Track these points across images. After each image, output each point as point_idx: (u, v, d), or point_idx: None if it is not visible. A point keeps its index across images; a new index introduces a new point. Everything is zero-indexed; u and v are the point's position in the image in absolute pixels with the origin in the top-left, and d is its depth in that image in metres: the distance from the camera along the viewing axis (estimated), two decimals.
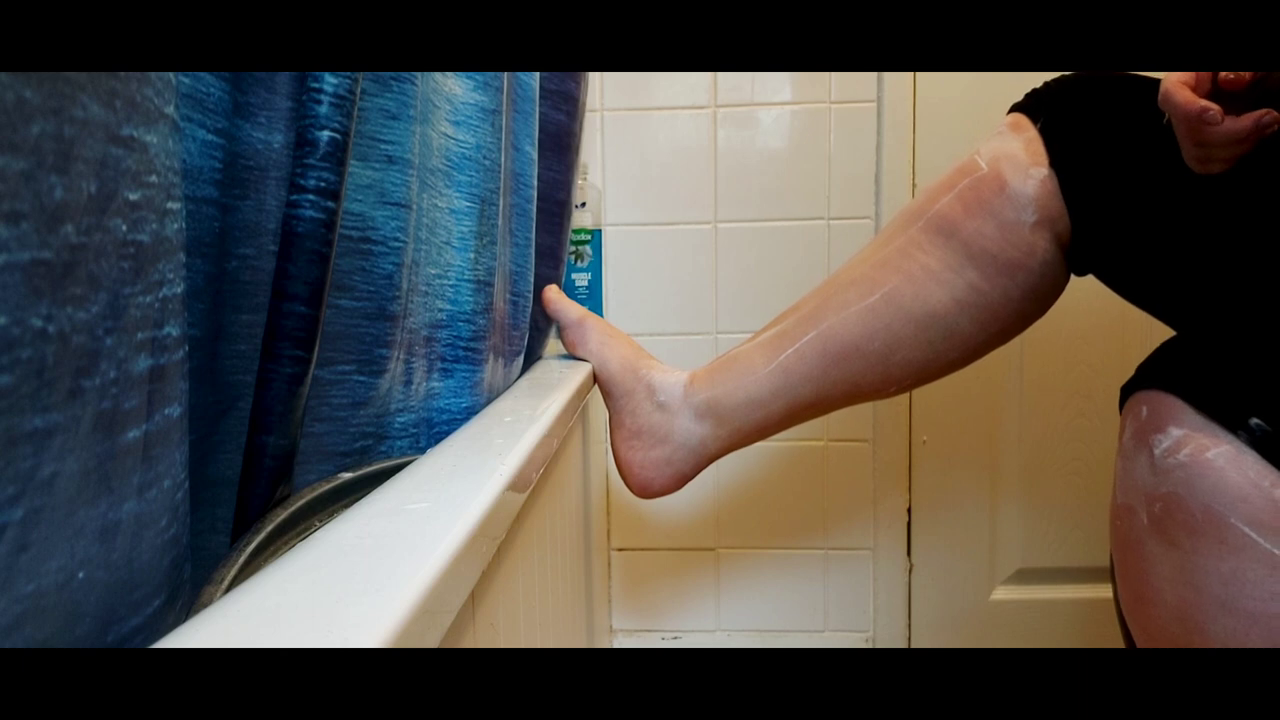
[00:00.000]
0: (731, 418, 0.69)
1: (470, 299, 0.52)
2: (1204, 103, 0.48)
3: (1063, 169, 0.60)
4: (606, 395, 0.75)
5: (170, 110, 0.23)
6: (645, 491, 0.72)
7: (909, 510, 1.19)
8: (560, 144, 0.76)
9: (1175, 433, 0.50)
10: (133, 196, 0.20)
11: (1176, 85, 0.50)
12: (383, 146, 0.41)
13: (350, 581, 0.23)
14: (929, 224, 0.64)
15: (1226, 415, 0.49)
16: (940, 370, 0.67)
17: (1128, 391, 0.57)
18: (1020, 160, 0.62)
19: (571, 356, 0.76)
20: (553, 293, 0.77)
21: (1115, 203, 0.59)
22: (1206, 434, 0.49)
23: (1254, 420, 0.48)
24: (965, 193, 0.63)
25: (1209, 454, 0.48)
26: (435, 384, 0.50)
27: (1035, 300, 0.64)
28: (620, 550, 1.23)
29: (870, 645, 1.21)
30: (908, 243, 0.65)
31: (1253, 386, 0.49)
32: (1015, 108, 0.67)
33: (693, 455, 0.71)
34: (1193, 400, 0.50)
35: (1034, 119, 0.63)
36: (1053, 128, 0.62)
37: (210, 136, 0.34)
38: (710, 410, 0.69)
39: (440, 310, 0.50)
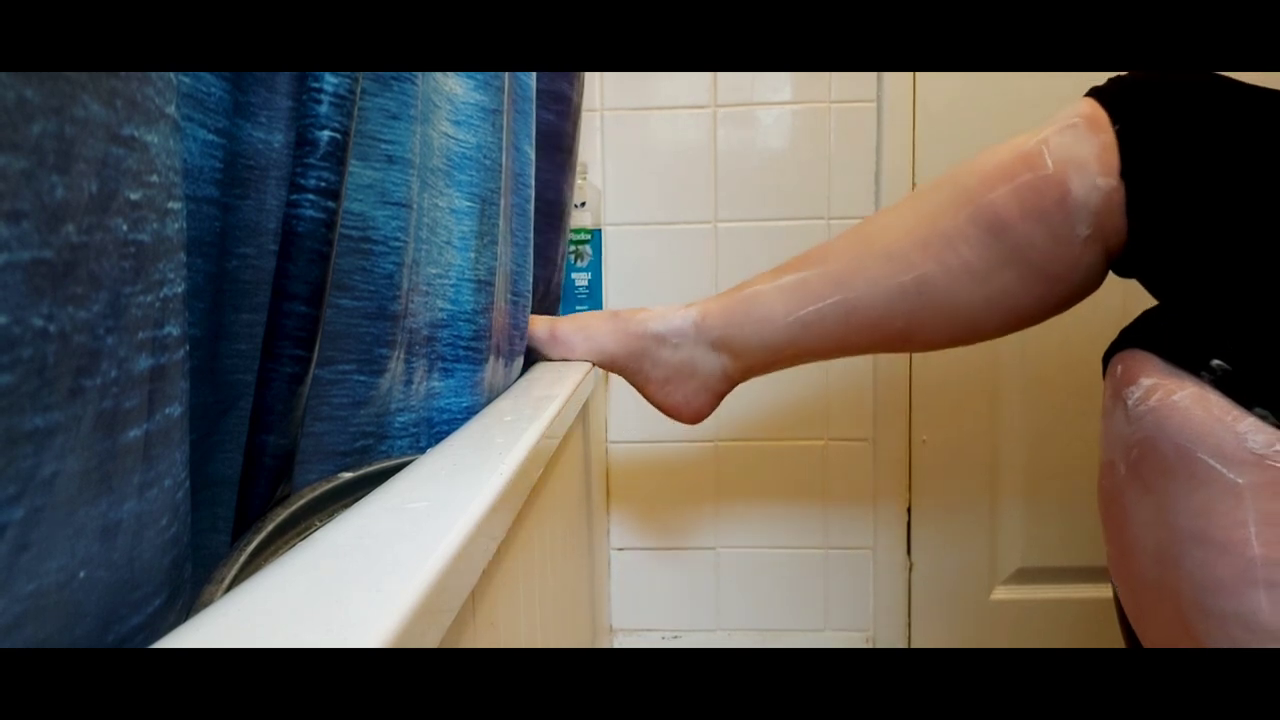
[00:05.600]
0: (745, 354, 0.73)
1: (471, 298, 0.52)
2: None
3: (1134, 184, 0.57)
4: (622, 371, 0.76)
5: (171, 110, 0.23)
6: (698, 417, 0.78)
7: (909, 510, 1.19)
8: (550, 143, 0.76)
9: (1145, 382, 0.53)
10: (133, 196, 0.20)
11: None
12: (383, 146, 0.41)
13: (350, 581, 0.23)
14: (979, 215, 0.62)
15: (1190, 360, 0.51)
16: (952, 345, 0.70)
17: (1108, 357, 0.58)
18: (1089, 169, 0.58)
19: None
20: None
21: (1184, 222, 0.56)
22: (1173, 379, 0.51)
23: (1215, 361, 0.50)
24: (1024, 192, 0.60)
25: (1175, 396, 0.51)
26: (436, 383, 0.50)
27: (1064, 304, 0.64)
28: (620, 550, 1.23)
29: (870, 645, 1.21)
30: (953, 231, 0.63)
31: (1213, 330, 0.51)
32: (1096, 94, 0.61)
33: (719, 377, 0.75)
34: (1161, 352, 0.52)
35: (1114, 117, 0.59)
36: (1133, 136, 0.58)
37: (211, 136, 0.34)
38: (725, 345, 0.72)
39: (441, 310, 0.50)
